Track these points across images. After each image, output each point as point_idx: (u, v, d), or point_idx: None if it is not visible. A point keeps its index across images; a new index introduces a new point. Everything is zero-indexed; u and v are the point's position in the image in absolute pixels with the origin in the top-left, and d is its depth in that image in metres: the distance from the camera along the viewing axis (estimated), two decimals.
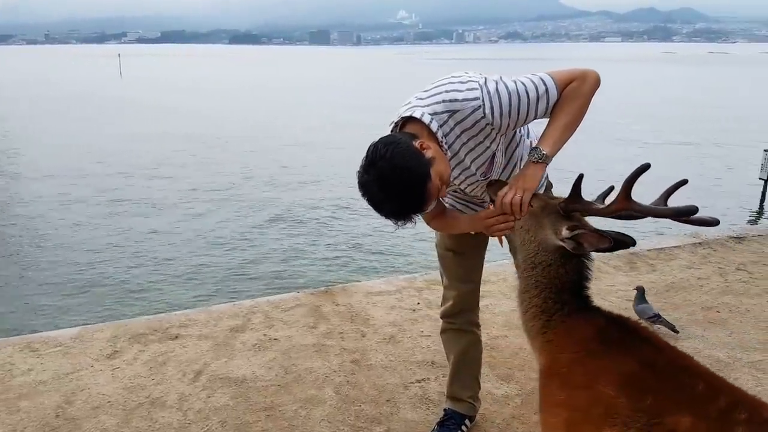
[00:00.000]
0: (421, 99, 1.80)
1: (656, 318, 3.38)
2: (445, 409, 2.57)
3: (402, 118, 1.79)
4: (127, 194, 11.16)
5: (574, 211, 1.75)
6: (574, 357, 1.51)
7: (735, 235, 5.22)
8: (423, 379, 2.97)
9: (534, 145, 1.81)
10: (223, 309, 3.80)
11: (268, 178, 12.40)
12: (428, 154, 1.67)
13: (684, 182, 1.69)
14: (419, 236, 7.78)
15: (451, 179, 1.90)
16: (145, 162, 14.34)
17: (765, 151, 7.94)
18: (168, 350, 3.27)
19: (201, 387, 2.92)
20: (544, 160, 1.78)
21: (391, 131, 1.82)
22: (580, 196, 1.73)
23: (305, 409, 2.74)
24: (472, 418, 2.57)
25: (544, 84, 1.75)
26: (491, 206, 1.93)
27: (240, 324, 3.58)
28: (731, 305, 3.82)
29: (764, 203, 8.48)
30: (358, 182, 1.68)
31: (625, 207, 1.63)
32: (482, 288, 2.54)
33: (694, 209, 1.51)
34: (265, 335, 3.44)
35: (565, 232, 1.72)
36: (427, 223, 2.17)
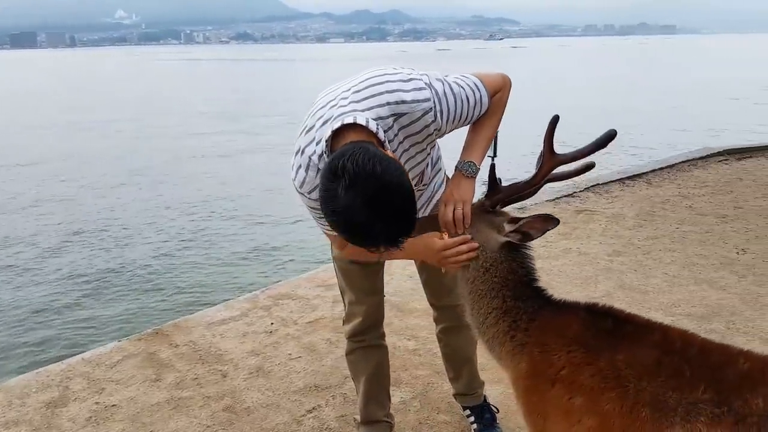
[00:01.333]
0: (356, 102, 1.53)
1: None
2: None
3: (343, 124, 1.48)
4: None
5: (498, 202, 1.72)
6: (573, 356, 1.41)
7: (518, 206, 5.88)
8: (314, 408, 2.68)
9: (465, 159, 1.73)
10: (25, 382, 2.95)
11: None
12: None
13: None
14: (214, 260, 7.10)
15: None
16: None
17: None
18: None
19: None
20: (476, 175, 1.73)
21: (326, 141, 1.51)
22: (499, 185, 1.71)
23: None
24: None
25: (479, 90, 1.67)
26: (444, 236, 1.71)
27: (57, 396, 2.82)
28: (545, 269, 4.27)
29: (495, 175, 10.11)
30: (334, 209, 1.30)
31: (554, 162, 1.63)
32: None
33: (614, 132, 1.53)
34: (97, 403, 2.76)
35: (508, 226, 1.66)
36: (339, 251, 1.91)
